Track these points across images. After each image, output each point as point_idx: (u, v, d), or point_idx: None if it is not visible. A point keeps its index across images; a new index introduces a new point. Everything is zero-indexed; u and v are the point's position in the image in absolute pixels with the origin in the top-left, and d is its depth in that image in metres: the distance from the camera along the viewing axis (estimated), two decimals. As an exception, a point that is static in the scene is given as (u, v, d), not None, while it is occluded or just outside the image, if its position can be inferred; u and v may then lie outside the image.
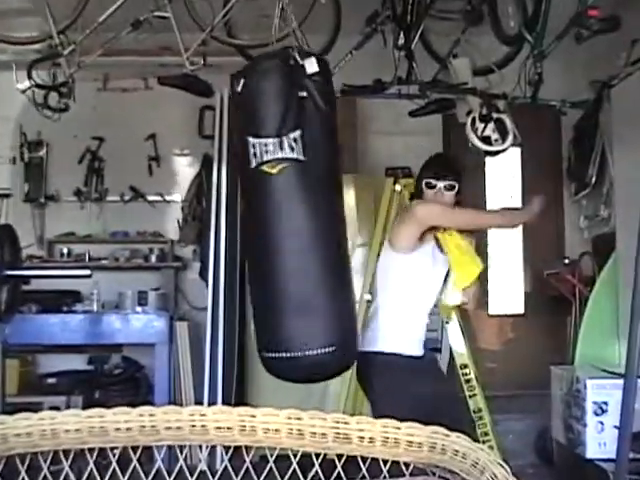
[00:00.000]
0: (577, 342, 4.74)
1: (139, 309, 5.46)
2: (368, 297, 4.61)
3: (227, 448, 1.71)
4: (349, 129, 5.88)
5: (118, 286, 5.75)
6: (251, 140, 2.77)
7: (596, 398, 4.05)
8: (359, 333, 3.02)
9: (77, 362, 5.94)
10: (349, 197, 5.34)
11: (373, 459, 1.62)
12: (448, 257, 3.17)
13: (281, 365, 2.80)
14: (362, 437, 1.60)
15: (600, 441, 4.01)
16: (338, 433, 1.61)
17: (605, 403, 4.02)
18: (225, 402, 5.00)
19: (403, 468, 1.63)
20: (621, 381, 2.97)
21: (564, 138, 6.28)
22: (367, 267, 5.05)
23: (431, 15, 4.39)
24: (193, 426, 1.65)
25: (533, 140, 5.69)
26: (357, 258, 5.16)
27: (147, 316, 5.38)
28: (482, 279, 3.35)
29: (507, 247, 6.52)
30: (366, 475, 1.68)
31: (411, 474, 1.61)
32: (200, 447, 1.78)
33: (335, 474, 1.68)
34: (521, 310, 6.45)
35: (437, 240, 3.17)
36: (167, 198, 6.41)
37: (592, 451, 4.03)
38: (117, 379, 5.84)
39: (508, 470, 1.47)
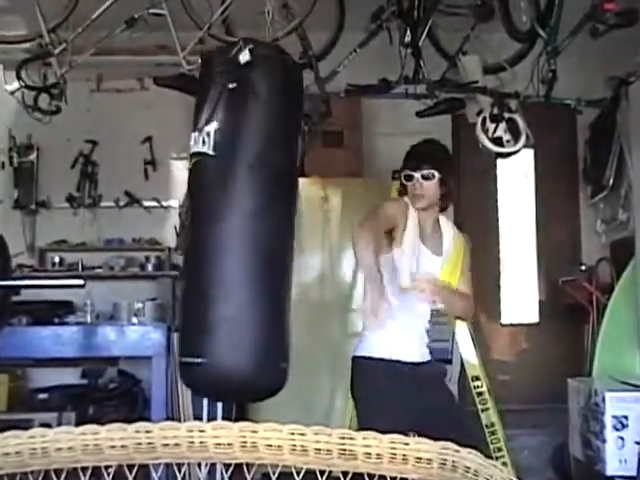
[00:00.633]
0: (595, 353, 4.73)
1: (135, 320, 5.46)
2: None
3: (227, 466, 1.71)
4: (354, 131, 5.89)
5: (113, 296, 5.76)
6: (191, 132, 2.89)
7: (616, 412, 4.04)
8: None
9: (70, 376, 5.93)
10: (354, 201, 5.35)
11: (380, 476, 1.62)
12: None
13: (193, 372, 2.75)
14: (369, 453, 1.59)
15: (620, 457, 4.00)
16: (343, 449, 1.60)
17: (625, 417, 4.01)
18: (225, 417, 4.99)
19: (412, 486, 1.63)
20: (642, 393, 2.97)
21: (580, 138, 6.29)
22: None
23: (439, 10, 4.40)
24: (191, 443, 1.65)
25: (547, 141, 5.70)
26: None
27: (143, 328, 5.37)
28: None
29: (520, 253, 6.52)
30: (373, 493, 1.68)
31: (420, 492, 1.61)
32: (199, 465, 1.77)
33: (341, 492, 1.68)
34: (535, 319, 6.44)
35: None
36: (164, 204, 6.42)
37: (612, 468, 4.02)
38: (112, 394, 5.84)
39: (522, 488, 1.46)
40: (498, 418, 4.75)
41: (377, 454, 1.59)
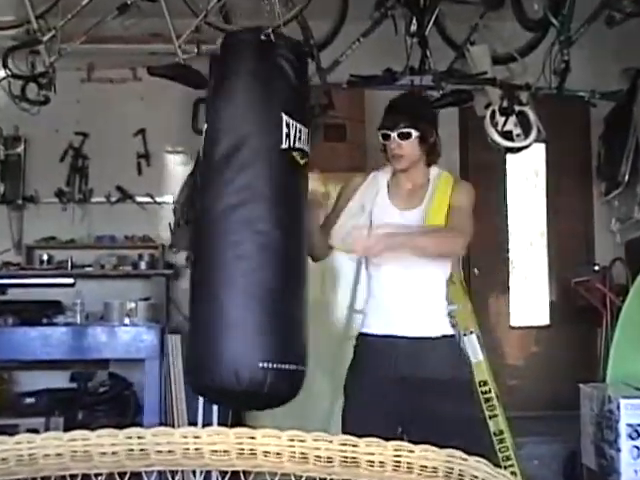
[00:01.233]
0: (609, 357, 4.73)
1: (127, 321, 5.44)
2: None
3: (223, 473, 1.71)
4: (357, 124, 5.88)
5: (104, 296, 5.74)
6: (286, 118, 2.80)
7: (631, 420, 4.03)
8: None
9: (58, 379, 5.94)
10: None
11: (384, 486, 1.62)
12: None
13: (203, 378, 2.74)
14: (371, 461, 1.59)
15: (636, 468, 3.99)
16: (345, 457, 1.60)
17: (640, 425, 4.01)
18: (221, 423, 5.00)
19: (417, 496, 1.62)
20: (658, 400, 2.96)
21: (593, 132, 6.28)
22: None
23: (446, -2, 4.40)
24: (186, 449, 1.65)
25: (559, 135, 5.70)
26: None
27: (136, 329, 5.36)
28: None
29: (530, 253, 6.52)
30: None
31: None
32: (194, 472, 1.77)
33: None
34: (546, 321, 6.44)
35: None
36: (158, 199, 6.41)
37: (627, 478, 4.01)
38: (102, 398, 5.84)
39: (533, 498, 1.46)
40: (507, 425, 4.75)
41: (380, 462, 1.59)
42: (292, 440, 1.62)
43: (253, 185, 2.75)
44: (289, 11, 3.56)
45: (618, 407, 4.08)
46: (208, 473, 1.76)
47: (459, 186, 3.04)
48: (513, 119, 4.44)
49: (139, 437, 1.65)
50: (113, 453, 1.64)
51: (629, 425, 4.02)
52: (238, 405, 2.90)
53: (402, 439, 1.72)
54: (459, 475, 1.55)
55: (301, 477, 1.66)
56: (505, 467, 4.53)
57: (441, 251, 2.91)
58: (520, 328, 6.45)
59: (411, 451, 1.58)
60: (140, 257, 6.32)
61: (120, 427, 1.69)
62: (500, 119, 4.43)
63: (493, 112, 4.45)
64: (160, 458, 1.65)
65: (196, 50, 4.08)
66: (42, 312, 5.43)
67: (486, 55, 4.53)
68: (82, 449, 1.63)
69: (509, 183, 6.52)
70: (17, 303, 5.08)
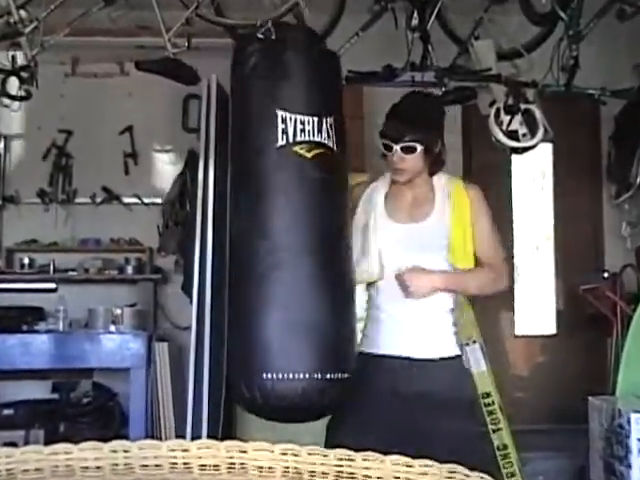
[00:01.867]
0: (619, 368, 4.73)
1: (112, 328, 5.45)
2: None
3: (213, 489, 1.70)
4: (354, 122, 5.88)
5: (88, 302, 5.75)
6: (281, 113, 2.75)
7: (641, 434, 4.03)
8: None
9: (39, 390, 5.93)
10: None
11: (382, 503, 1.62)
12: None
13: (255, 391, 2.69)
14: (369, 476, 1.59)
15: (646, 484, 3.99)
16: (341, 472, 1.60)
17: (652, 440, 4.00)
18: (211, 436, 4.99)
19: (416, 513, 1.62)
20: (670, 414, 2.96)
21: (603, 132, 6.29)
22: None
23: (450, -10, 4.40)
24: (174, 464, 1.65)
25: (567, 134, 5.70)
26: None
27: (121, 336, 5.36)
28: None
29: (536, 258, 6.52)
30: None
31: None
32: (181, 488, 1.77)
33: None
34: (553, 330, 6.45)
35: None
36: (145, 200, 6.41)
37: (637, 496, 4.01)
38: (86, 409, 5.84)
39: (539, 516, 1.46)
40: (511, 439, 4.74)
41: (378, 477, 1.59)
42: (285, 454, 1.62)
43: (262, 191, 2.77)
44: (284, 3, 3.56)
45: (628, 421, 4.07)
46: (197, 489, 1.75)
47: (478, 202, 3.02)
48: (519, 118, 4.44)
49: (124, 451, 1.65)
50: (97, 468, 1.63)
51: (640, 440, 4.02)
52: (290, 419, 2.85)
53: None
54: (461, 492, 1.55)
55: (295, 493, 1.66)
56: (509, 483, 4.52)
57: (487, 292, 3.10)
58: (525, 337, 6.45)
59: (410, 466, 1.58)
60: (127, 261, 6.32)
61: (104, 440, 1.68)
62: (505, 118, 4.43)
63: (498, 110, 4.44)
64: (146, 473, 1.65)
65: (187, 44, 4.07)
66: (22, 318, 5.43)
67: (491, 50, 4.53)
68: (64, 463, 1.63)
69: (514, 185, 6.52)
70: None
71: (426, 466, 1.58)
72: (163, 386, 5.42)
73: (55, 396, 5.92)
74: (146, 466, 1.66)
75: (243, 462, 1.64)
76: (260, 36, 2.97)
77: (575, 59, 4.28)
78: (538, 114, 4.47)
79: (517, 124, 4.46)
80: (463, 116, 6.13)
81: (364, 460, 1.60)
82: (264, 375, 2.65)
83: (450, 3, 4.49)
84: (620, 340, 5.07)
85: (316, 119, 2.77)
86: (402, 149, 2.90)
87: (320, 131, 2.77)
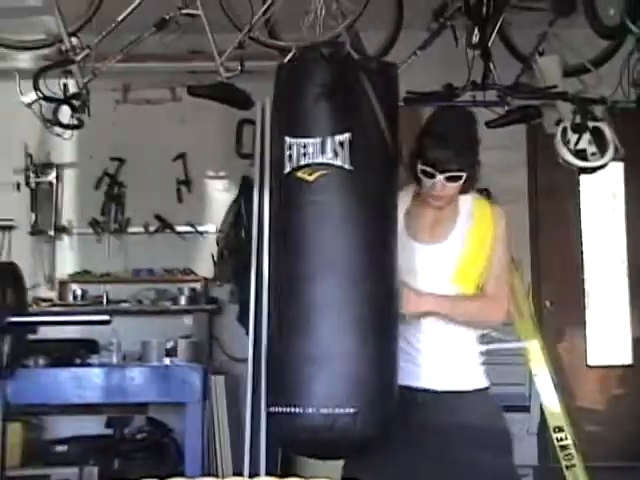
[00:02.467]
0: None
1: (167, 361, 5.48)
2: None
3: (272, 529, 1.70)
4: (413, 144, 5.87)
5: (142, 334, 5.79)
6: (288, 140, 2.75)
7: None
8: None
9: (92, 425, 5.98)
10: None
11: None
12: None
13: (287, 424, 2.63)
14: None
15: None
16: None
17: None
18: (269, 472, 4.99)
19: None
20: None
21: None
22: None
23: (512, 6, 4.38)
24: (231, 502, 1.65)
25: (639, 153, 5.63)
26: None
27: (176, 369, 5.39)
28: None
29: (609, 283, 6.43)
30: None
31: None
32: (239, 528, 1.77)
33: None
34: (629, 360, 6.34)
35: None
36: (199, 229, 6.47)
37: None
38: (140, 445, 5.87)
39: None
40: (586, 476, 4.66)
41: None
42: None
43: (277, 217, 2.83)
44: (339, 24, 3.58)
45: None
46: (255, 529, 1.75)
47: (499, 228, 2.90)
48: (587, 136, 4.39)
49: (180, 489, 1.65)
50: (152, 506, 1.64)
51: None
52: (327, 454, 2.82)
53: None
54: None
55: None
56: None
57: (481, 322, 2.87)
58: (600, 367, 6.35)
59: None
60: (180, 291, 6.37)
61: (160, 477, 1.69)
62: (573, 136, 4.39)
63: (565, 129, 4.41)
64: (203, 512, 1.65)
65: (240, 68, 4.11)
66: (75, 352, 5.48)
67: (556, 66, 4.50)
68: (119, 502, 1.64)
69: (583, 206, 6.45)
70: (48, 342, 5.14)
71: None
72: (220, 421, 5.45)
73: (109, 432, 5.97)
74: (203, 505, 1.66)
75: (303, 501, 1.63)
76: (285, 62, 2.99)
77: (646, 73, 4.24)
78: (608, 132, 4.42)
79: (585, 143, 4.41)
80: (528, 135, 6.09)
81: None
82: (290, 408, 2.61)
83: (512, 18, 4.48)
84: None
85: (319, 140, 2.75)
86: (447, 178, 2.80)
87: (323, 152, 2.72)
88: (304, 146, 2.72)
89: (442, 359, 2.85)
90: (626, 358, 6.34)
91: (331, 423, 2.55)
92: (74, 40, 4.23)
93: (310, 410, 2.56)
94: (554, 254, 6.21)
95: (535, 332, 4.94)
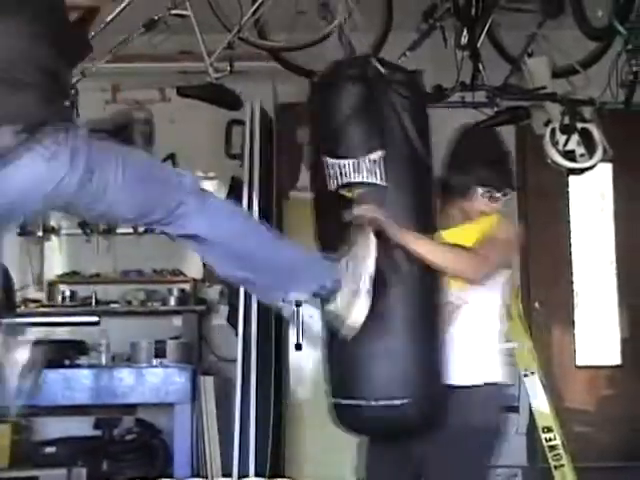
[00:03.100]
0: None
1: (156, 362, 5.48)
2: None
3: (261, 530, 1.71)
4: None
5: (131, 335, 5.79)
6: (328, 160, 2.89)
7: None
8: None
9: (81, 427, 5.97)
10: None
11: None
12: None
13: (349, 415, 2.85)
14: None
15: None
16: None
17: None
18: (258, 474, 4.98)
19: None
20: None
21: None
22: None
23: (501, 7, 4.40)
24: (220, 503, 1.66)
25: (628, 154, 5.65)
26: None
27: (165, 370, 5.39)
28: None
29: (598, 284, 6.45)
30: None
31: None
32: (228, 529, 1.78)
33: None
34: (617, 361, 6.35)
35: None
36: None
37: None
38: (129, 446, 5.86)
39: None
40: (574, 477, 4.68)
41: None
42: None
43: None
44: (329, 24, 3.59)
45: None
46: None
47: (498, 224, 3.00)
48: (576, 137, 4.41)
49: (169, 489, 1.66)
50: (141, 507, 1.65)
51: None
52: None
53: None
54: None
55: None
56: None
57: (451, 266, 2.85)
58: (588, 368, 6.36)
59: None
60: (170, 292, 6.35)
61: (148, 479, 1.70)
62: (561, 138, 4.41)
63: (553, 130, 4.42)
64: (192, 512, 1.66)
65: (229, 68, 4.11)
66: (64, 353, 5.48)
67: (545, 68, 4.52)
68: (108, 502, 1.64)
69: (572, 207, 6.47)
70: (37, 343, 5.13)
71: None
72: (209, 422, 5.44)
73: (98, 433, 5.95)
74: (192, 505, 1.67)
75: (292, 501, 1.64)
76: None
77: (635, 75, 4.25)
78: (596, 133, 4.44)
79: (574, 144, 4.43)
80: (517, 136, 6.09)
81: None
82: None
83: (501, 19, 4.49)
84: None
85: (353, 160, 2.87)
86: (503, 195, 3.00)
87: (358, 170, 2.87)
88: (344, 166, 2.86)
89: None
90: (615, 359, 6.36)
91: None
92: (63, 40, 4.22)
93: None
94: (543, 255, 6.22)
95: (524, 333, 4.96)
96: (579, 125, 4.41)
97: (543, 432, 4.75)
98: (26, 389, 2.39)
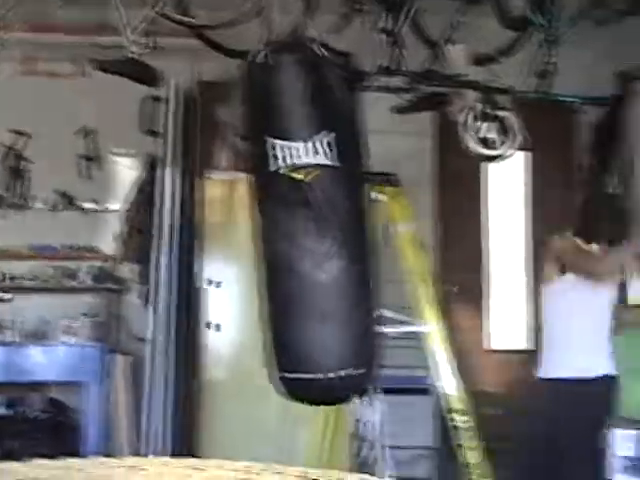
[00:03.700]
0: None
1: (68, 340, 5.42)
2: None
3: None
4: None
5: (43, 312, 5.71)
6: (272, 141, 2.93)
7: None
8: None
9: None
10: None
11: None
12: None
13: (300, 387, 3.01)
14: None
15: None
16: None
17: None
18: (172, 454, 4.97)
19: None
20: None
21: (582, 141, 6.33)
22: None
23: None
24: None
25: (544, 143, 5.73)
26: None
27: (78, 349, 5.33)
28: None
29: (512, 269, 6.53)
30: None
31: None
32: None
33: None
34: (528, 345, 6.47)
35: None
36: (105, 206, 6.37)
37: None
38: (40, 425, 5.79)
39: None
40: (484, 458, 4.76)
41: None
42: (249, 472, 1.62)
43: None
44: (250, 4, 3.57)
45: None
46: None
47: None
48: (493, 125, 4.46)
49: (78, 469, 1.64)
50: (47, 485, 1.62)
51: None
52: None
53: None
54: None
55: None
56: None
57: None
58: (499, 352, 6.46)
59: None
60: (85, 269, 6.27)
61: (57, 457, 1.67)
62: (478, 124, 4.45)
63: (470, 117, 4.47)
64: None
65: (150, 44, 4.06)
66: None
67: (465, 55, 4.55)
68: (13, 482, 1.61)
69: (489, 194, 6.55)
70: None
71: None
72: (121, 401, 5.40)
73: (8, 412, 5.87)
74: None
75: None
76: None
77: (552, 65, 4.31)
78: (513, 121, 4.49)
79: (491, 131, 4.48)
80: (434, 120, 6.13)
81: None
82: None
83: (423, 5, 4.50)
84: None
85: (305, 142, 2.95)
86: None
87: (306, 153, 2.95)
88: (291, 147, 2.92)
89: None
90: (525, 343, 6.47)
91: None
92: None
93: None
94: (459, 241, 6.29)
95: (437, 316, 5.02)
96: (496, 113, 4.46)
97: (453, 414, 4.82)
98: None
